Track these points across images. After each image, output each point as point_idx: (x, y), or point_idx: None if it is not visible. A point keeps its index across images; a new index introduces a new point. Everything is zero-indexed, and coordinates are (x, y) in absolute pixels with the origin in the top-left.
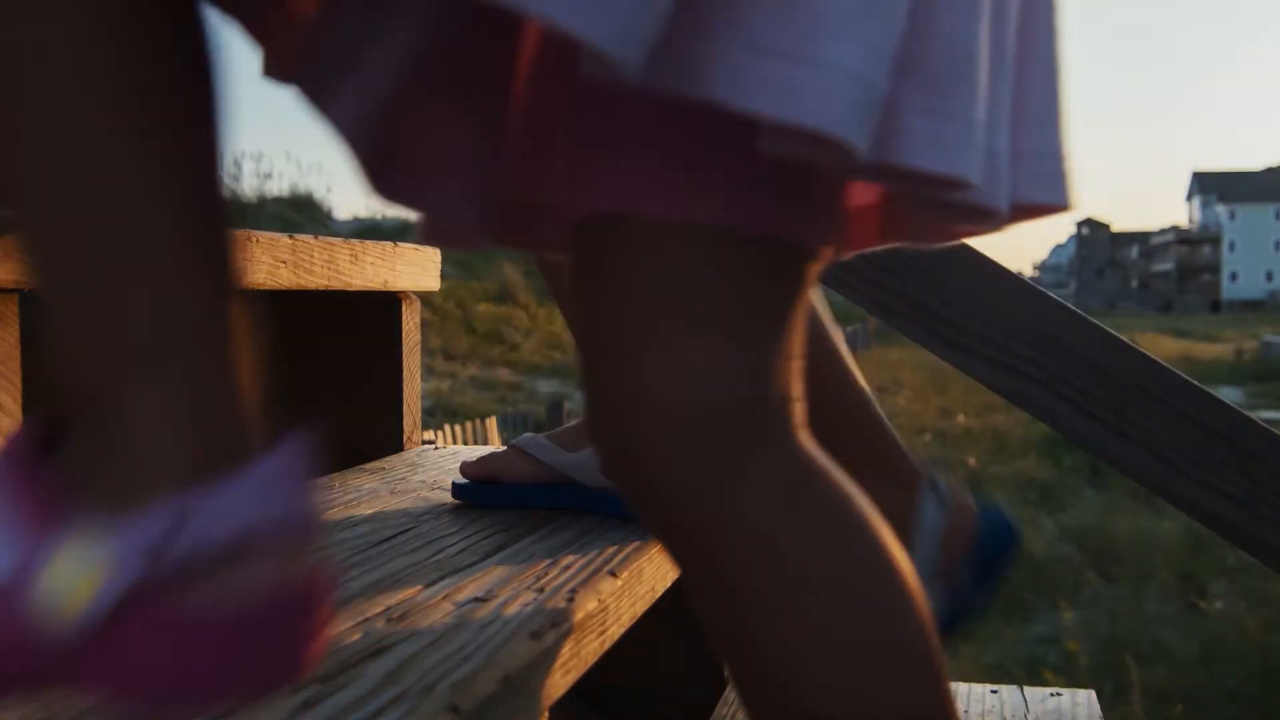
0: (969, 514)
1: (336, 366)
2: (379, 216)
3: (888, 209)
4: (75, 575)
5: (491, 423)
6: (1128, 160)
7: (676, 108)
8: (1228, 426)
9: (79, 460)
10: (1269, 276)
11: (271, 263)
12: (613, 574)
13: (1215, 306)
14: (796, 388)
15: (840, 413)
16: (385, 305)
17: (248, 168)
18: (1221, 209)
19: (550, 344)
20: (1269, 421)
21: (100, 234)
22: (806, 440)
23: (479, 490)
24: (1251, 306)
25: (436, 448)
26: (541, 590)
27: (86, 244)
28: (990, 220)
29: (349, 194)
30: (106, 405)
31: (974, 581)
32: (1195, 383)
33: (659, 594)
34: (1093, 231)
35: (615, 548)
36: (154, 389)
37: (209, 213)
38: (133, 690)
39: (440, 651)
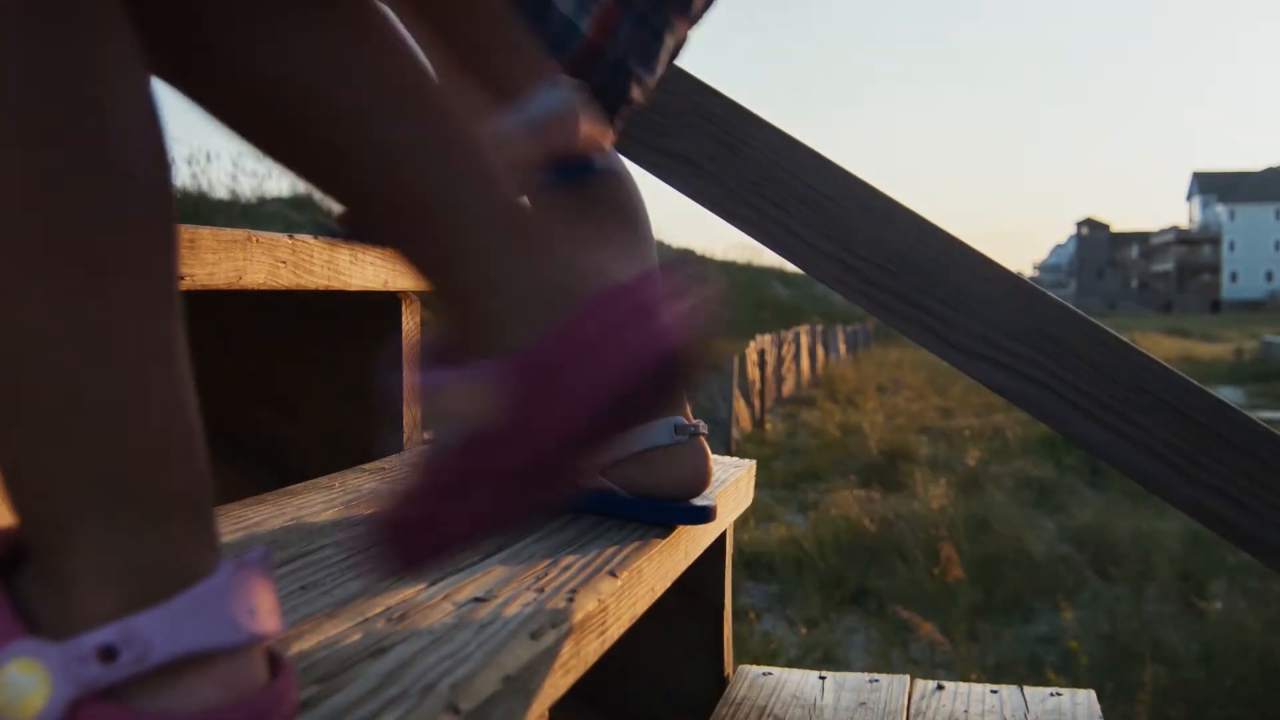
0: (577, 124)
1: (337, 366)
2: None
3: None
4: (19, 690)
5: None
6: (1128, 160)
7: None
8: (1228, 426)
9: (27, 584)
10: (1269, 276)
11: (271, 263)
12: (613, 574)
13: (1215, 306)
14: None
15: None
16: (385, 305)
17: (247, 167)
18: (1221, 209)
19: None
20: (1269, 421)
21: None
22: None
23: None
24: (1251, 306)
25: None
26: (541, 590)
27: (22, 393)
28: None
29: None
30: (48, 538)
31: (550, 179)
32: (1195, 383)
33: (659, 594)
34: (1093, 231)
35: (615, 548)
36: (95, 527)
37: (164, 323)
38: None
39: (440, 651)
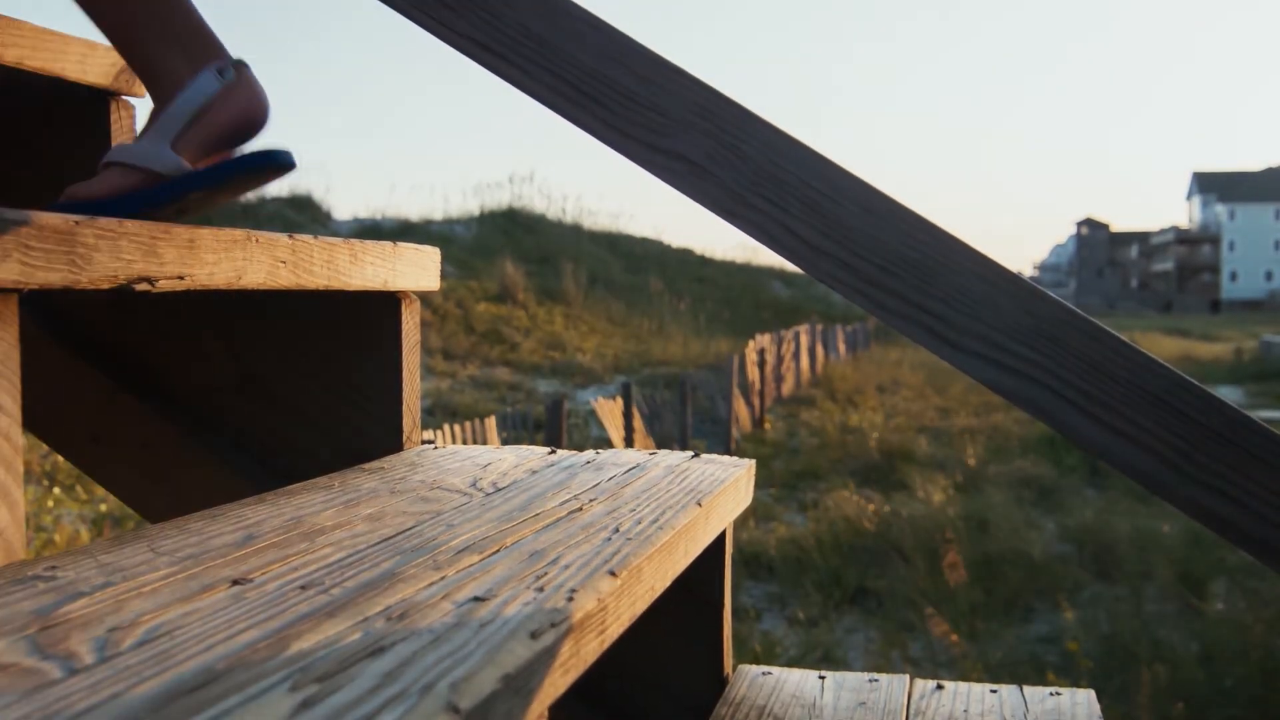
0: (249, 112)
1: (336, 366)
2: (379, 216)
3: None
4: None
5: (490, 422)
6: (1128, 160)
7: None
8: (1228, 426)
9: None
10: (1269, 276)
11: (271, 263)
12: (612, 573)
13: (1215, 306)
14: None
15: None
16: (385, 305)
17: None
18: (1221, 209)
19: (550, 344)
20: (1269, 421)
21: None
22: None
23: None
24: (1251, 306)
25: (436, 447)
26: (541, 590)
27: None
28: None
29: (349, 194)
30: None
31: (213, 172)
32: (1195, 382)
33: (659, 593)
34: (1093, 231)
35: (615, 547)
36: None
37: None
38: None
39: (440, 651)
